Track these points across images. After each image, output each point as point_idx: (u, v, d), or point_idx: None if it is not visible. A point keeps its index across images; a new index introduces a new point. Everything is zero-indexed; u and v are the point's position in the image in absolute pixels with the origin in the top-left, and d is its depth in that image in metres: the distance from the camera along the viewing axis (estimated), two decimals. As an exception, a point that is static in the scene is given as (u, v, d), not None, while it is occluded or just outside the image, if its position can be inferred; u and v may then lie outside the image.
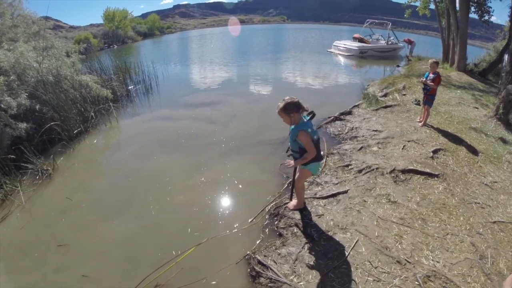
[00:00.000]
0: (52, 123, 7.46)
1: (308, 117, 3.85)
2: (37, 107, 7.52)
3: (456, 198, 4.67)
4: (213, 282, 3.73)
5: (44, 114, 7.64)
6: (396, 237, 3.88)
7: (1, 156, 6.12)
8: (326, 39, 34.18)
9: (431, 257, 3.55)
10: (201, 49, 29.42)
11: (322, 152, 4.21)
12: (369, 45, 21.62)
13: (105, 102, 9.72)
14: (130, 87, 12.51)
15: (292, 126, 3.85)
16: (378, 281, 3.28)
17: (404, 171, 5.27)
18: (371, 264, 3.50)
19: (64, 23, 48.18)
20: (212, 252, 4.19)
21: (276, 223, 4.55)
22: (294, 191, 4.59)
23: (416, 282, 3.22)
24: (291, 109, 3.69)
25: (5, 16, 8.74)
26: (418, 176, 5.20)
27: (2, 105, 6.47)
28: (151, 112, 10.09)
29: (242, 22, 69.47)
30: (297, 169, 4.30)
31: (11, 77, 7.14)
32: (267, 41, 35.59)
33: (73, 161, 6.94)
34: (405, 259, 3.51)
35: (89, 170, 6.73)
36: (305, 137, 3.67)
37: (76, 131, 8.05)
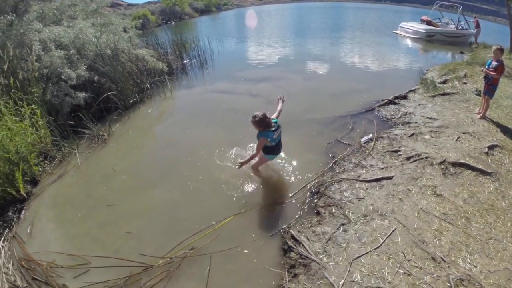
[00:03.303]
0: (109, 93, 7.96)
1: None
2: (96, 78, 8.03)
3: (507, 202, 4.30)
4: (246, 251, 3.88)
5: (102, 85, 8.15)
6: (436, 232, 3.70)
7: (61, 122, 6.68)
8: (388, 20, 32.49)
9: (468, 260, 3.34)
10: (257, 25, 29.23)
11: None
12: (437, 28, 20.18)
13: (161, 75, 10.08)
14: (185, 61, 12.81)
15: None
16: (408, 274, 3.18)
17: (455, 164, 4.96)
18: (405, 256, 3.39)
19: (122, 1, 49.72)
20: (249, 223, 4.33)
21: (315, 201, 4.56)
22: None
23: (448, 284, 3.06)
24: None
25: (64, -5, 9.24)
26: (469, 171, 4.85)
27: (63, 76, 7.04)
28: (205, 86, 10.32)
29: (300, -1, 67.32)
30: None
31: (71, 51, 7.69)
32: (325, 19, 34.52)
33: (127, 128, 7.42)
34: (441, 257, 3.34)
35: (141, 137, 7.14)
36: None
37: (131, 101, 8.54)
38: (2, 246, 4.32)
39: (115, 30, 9.48)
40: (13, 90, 6.03)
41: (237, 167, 4.95)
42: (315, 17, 36.42)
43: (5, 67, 6.02)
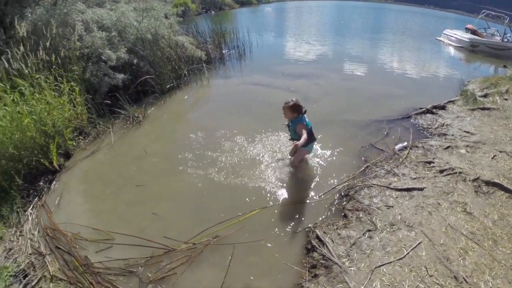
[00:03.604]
0: (147, 77, 8.17)
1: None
2: (135, 61, 8.24)
3: (537, 229, 4.13)
4: (269, 245, 3.90)
5: (141, 68, 8.36)
6: (461, 251, 3.60)
7: (98, 101, 6.93)
8: (430, 26, 31.47)
9: (490, 284, 3.21)
10: (297, 21, 29.02)
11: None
12: (482, 39, 19.35)
13: (199, 63, 10.21)
14: (224, 51, 12.86)
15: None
16: (428, 291, 3.12)
17: (488, 183, 4.78)
18: (427, 271, 3.32)
19: (163, -12, 50.16)
20: (275, 218, 4.34)
21: (344, 203, 4.53)
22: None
23: (466, 306, 2.97)
24: None
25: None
26: (502, 192, 4.66)
27: (103, 57, 7.27)
28: (242, 77, 10.37)
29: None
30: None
31: (113, 33, 7.92)
32: (366, 19, 33.85)
33: (162, 112, 7.59)
34: (463, 277, 3.24)
35: (175, 122, 7.29)
36: None
37: (168, 86, 8.74)
38: (30, 213, 4.52)
39: (157, 15, 9.64)
40: (54, 67, 6.26)
41: (290, 156, 5.20)
42: (356, 16, 35.82)
43: (47, 44, 6.22)
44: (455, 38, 19.84)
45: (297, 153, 5.01)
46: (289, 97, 4.67)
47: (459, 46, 19.13)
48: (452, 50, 18.63)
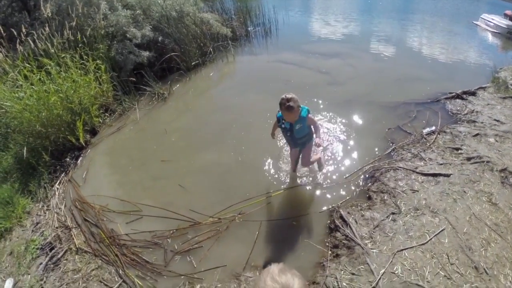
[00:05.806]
0: (172, 54, 8.17)
1: None
2: (160, 38, 8.22)
3: (562, 224, 3.99)
4: (294, 222, 3.96)
5: (166, 46, 8.36)
6: (484, 241, 3.51)
7: (123, 78, 7.01)
8: (464, 9, 30.03)
9: (510, 278, 3.14)
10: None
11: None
12: None
13: (224, 40, 10.08)
14: (249, 28, 12.61)
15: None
16: (448, 278, 3.08)
17: (515, 175, 4.66)
18: (449, 259, 3.28)
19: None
20: (300, 197, 4.39)
21: (368, 185, 4.49)
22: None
23: (485, 298, 2.92)
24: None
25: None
26: (529, 185, 4.53)
27: (128, 35, 7.30)
28: (268, 55, 10.16)
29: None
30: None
31: (137, 11, 7.91)
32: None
33: (187, 89, 7.65)
34: (484, 268, 3.18)
35: (200, 99, 7.31)
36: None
37: (194, 63, 8.72)
38: (57, 188, 4.72)
39: (181, -8, 9.54)
40: (80, 45, 6.37)
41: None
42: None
43: (73, 23, 6.30)
44: (493, 23, 18.97)
45: (309, 149, 4.40)
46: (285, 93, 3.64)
47: (496, 32, 18.32)
48: (489, 36, 17.79)
